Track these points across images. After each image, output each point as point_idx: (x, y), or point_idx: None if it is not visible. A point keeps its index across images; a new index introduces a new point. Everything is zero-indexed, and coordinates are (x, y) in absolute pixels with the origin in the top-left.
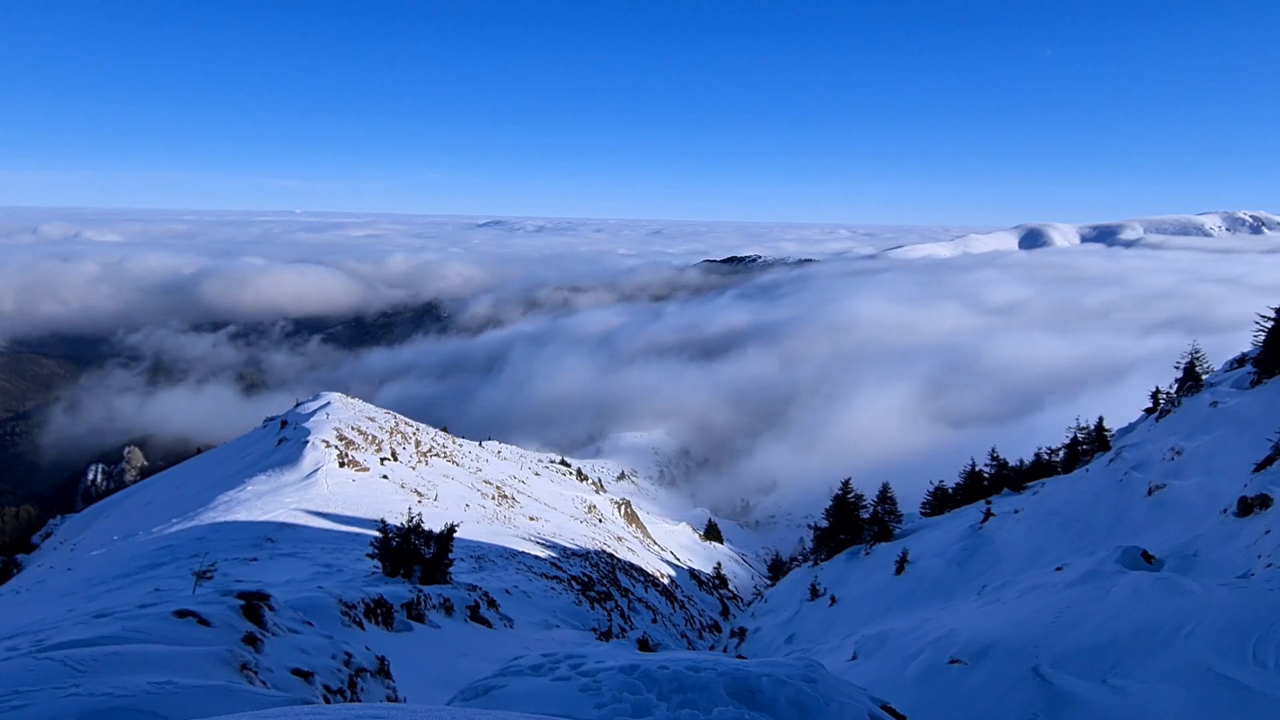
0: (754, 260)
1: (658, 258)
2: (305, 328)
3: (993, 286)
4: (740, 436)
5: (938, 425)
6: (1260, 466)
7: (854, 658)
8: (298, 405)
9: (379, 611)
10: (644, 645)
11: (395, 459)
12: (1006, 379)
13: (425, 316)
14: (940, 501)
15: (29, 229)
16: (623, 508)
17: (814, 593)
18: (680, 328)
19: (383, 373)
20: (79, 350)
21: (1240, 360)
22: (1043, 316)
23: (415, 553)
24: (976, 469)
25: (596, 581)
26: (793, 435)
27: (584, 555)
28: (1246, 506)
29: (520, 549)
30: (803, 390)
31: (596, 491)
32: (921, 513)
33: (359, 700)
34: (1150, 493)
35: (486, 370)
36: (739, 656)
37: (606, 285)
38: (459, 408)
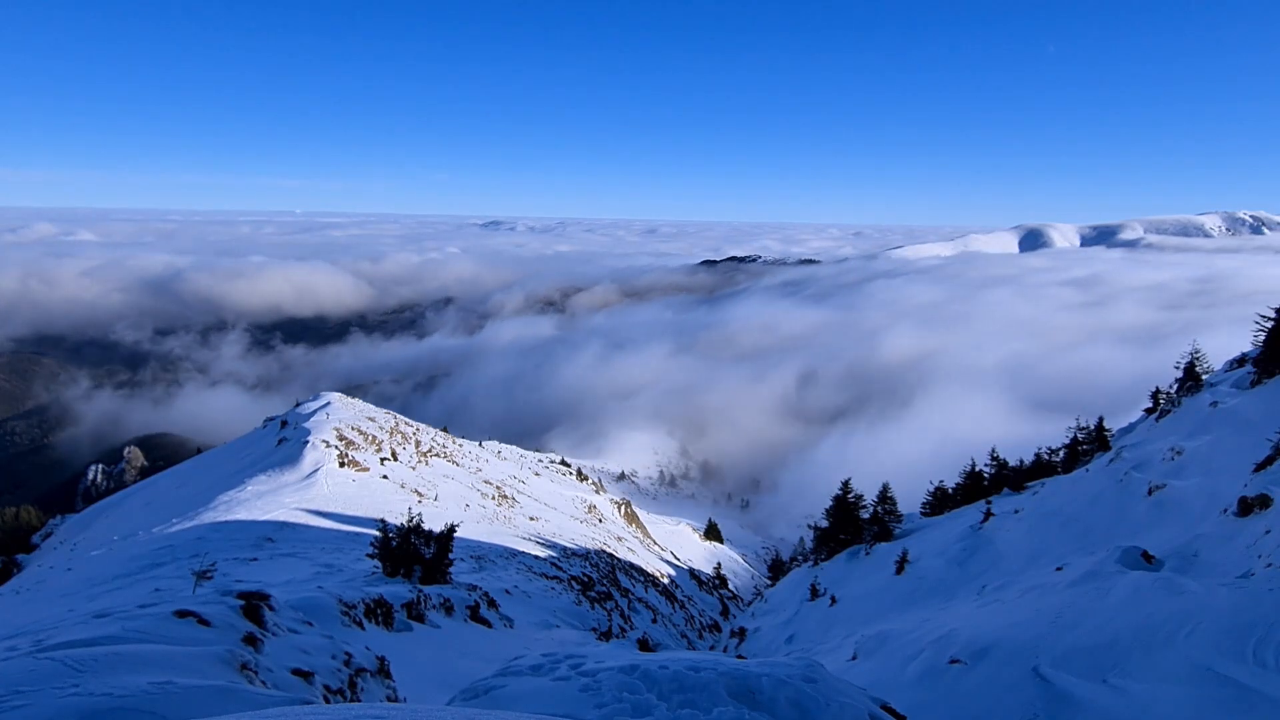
0: (753, 260)
1: (654, 258)
2: (304, 327)
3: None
4: (740, 436)
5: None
6: (1260, 466)
7: (854, 658)
8: (297, 405)
9: (379, 611)
10: (644, 645)
11: (395, 459)
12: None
13: (419, 316)
14: (940, 501)
15: (25, 229)
16: (623, 508)
17: (814, 593)
18: (679, 327)
19: (380, 371)
20: (79, 350)
21: (1240, 360)
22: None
23: (415, 553)
24: (976, 469)
25: (596, 581)
26: (788, 435)
27: (584, 555)
28: (1246, 506)
29: (520, 549)
30: (802, 390)
31: (596, 491)
32: (921, 513)
33: (359, 700)
34: (1150, 493)
35: (483, 370)
36: (739, 656)
37: (602, 285)
38: (457, 407)
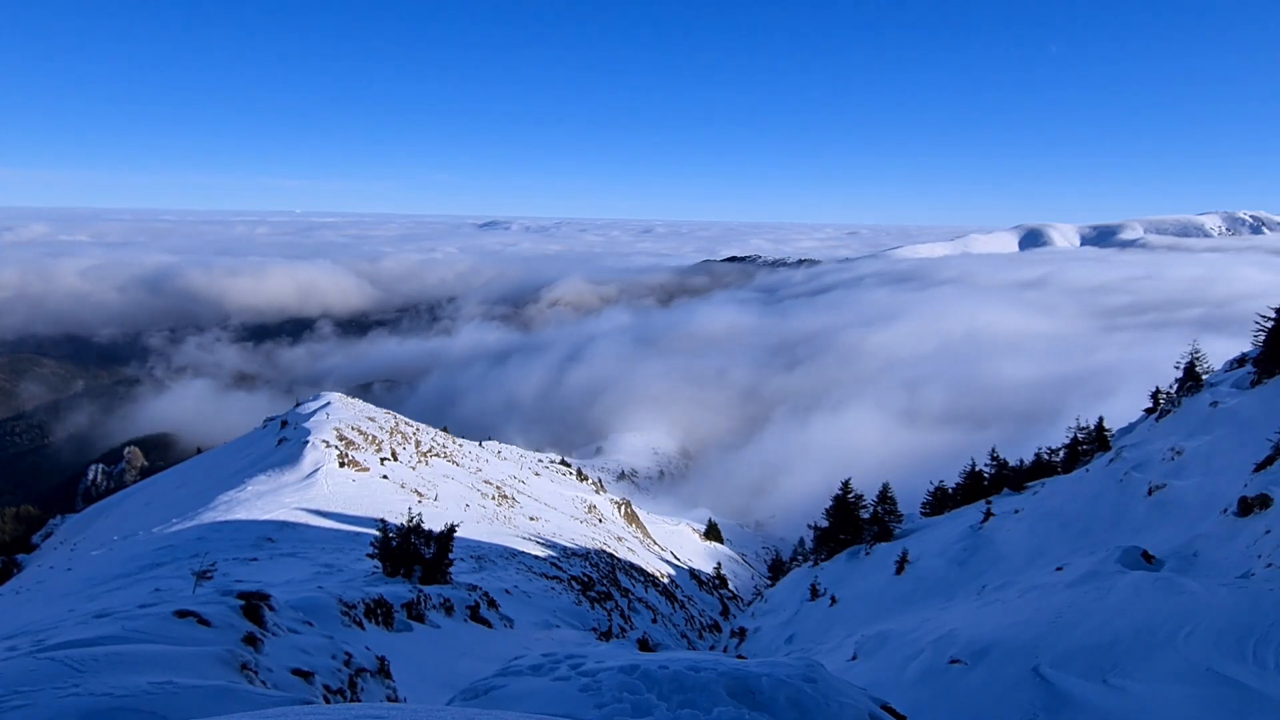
0: (754, 260)
1: (648, 258)
2: (302, 327)
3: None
4: (741, 437)
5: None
6: (1260, 466)
7: (854, 658)
8: (298, 405)
9: (379, 611)
10: (644, 645)
11: (395, 459)
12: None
13: (415, 316)
14: (940, 501)
15: (21, 228)
16: (623, 508)
17: (814, 593)
18: (679, 327)
19: (382, 370)
20: (79, 350)
21: (1240, 360)
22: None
23: (415, 553)
24: (976, 469)
25: (596, 581)
26: (790, 436)
27: (584, 555)
28: (1246, 506)
29: (520, 549)
30: (803, 392)
31: (596, 491)
32: (921, 513)
33: (359, 700)
34: (1150, 493)
35: (482, 370)
36: (739, 656)
37: (601, 284)
38: (456, 407)
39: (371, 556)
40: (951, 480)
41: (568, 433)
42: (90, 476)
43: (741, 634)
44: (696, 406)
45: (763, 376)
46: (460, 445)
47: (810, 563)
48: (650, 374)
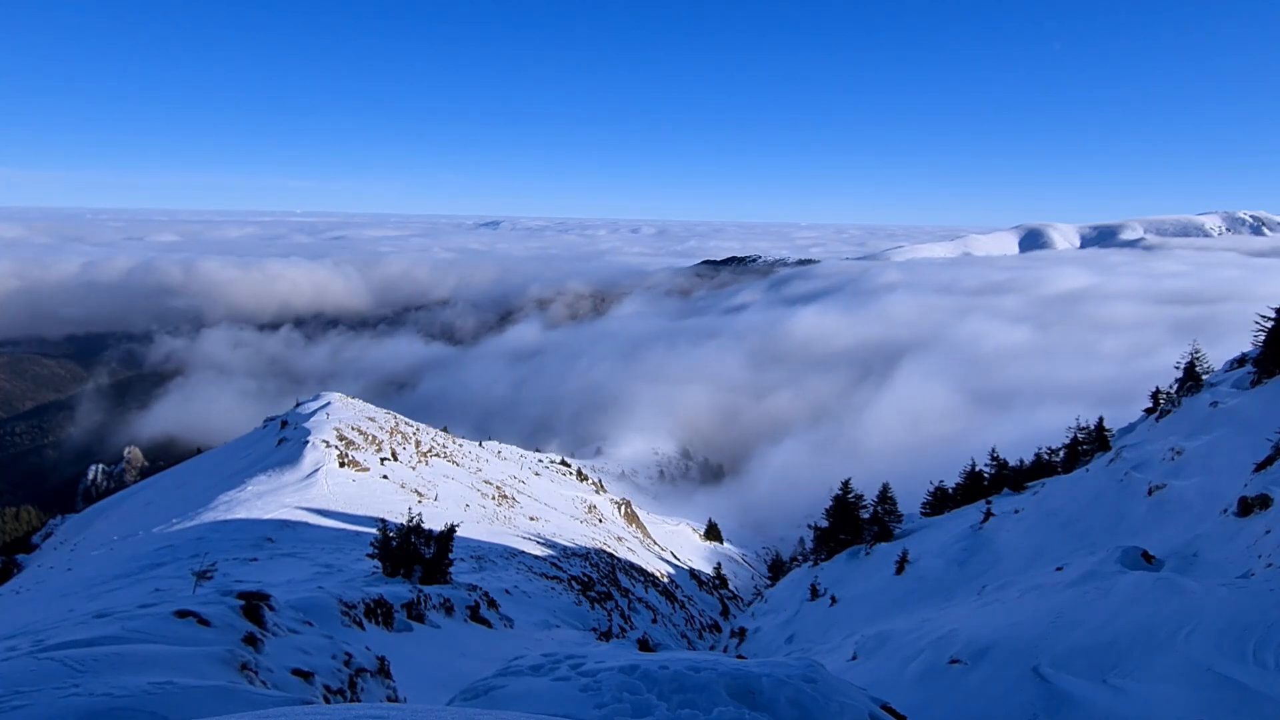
0: (753, 260)
1: (641, 259)
2: (300, 326)
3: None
4: (740, 436)
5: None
6: (1260, 466)
7: (854, 658)
8: (298, 405)
9: (379, 611)
10: (644, 645)
11: (395, 459)
12: None
13: (409, 315)
14: (940, 501)
15: (19, 227)
16: (623, 508)
17: (814, 593)
18: (678, 326)
19: (380, 370)
20: (79, 350)
21: (1240, 360)
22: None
23: (415, 553)
24: (976, 469)
25: (596, 581)
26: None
27: (584, 555)
28: (1246, 506)
29: (520, 549)
30: (800, 391)
31: (596, 491)
32: (921, 513)
33: (359, 700)
34: (1150, 493)
35: (481, 370)
36: (739, 656)
37: (599, 285)
38: (455, 408)
39: (371, 556)
40: (952, 480)
41: (565, 432)
42: (90, 476)
43: (741, 634)
44: (693, 406)
45: (752, 374)
46: (460, 445)
47: (810, 563)
48: (642, 374)
